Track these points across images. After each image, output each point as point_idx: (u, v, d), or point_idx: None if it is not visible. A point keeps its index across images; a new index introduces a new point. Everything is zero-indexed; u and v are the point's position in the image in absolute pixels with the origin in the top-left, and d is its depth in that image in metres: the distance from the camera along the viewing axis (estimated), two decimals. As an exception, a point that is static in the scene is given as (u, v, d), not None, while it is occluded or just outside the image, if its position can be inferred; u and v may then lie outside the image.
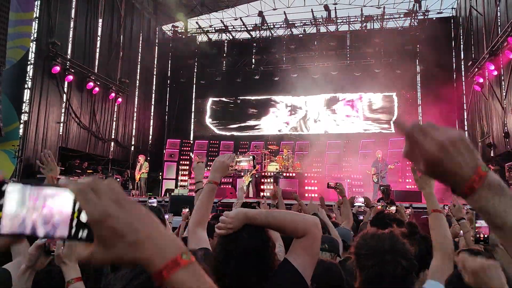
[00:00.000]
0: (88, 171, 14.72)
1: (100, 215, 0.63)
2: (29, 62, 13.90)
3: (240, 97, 21.71)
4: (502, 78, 14.03)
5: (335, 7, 19.13)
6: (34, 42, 14.04)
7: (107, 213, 0.63)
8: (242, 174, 13.13)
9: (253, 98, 21.54)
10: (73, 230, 0.64)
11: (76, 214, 0.64)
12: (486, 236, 2.33)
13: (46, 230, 0.63)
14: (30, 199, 0.63)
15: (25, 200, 0.63)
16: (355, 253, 1.71)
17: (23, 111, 13.56)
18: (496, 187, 0.73)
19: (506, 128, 13.42)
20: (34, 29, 14.04)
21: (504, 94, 13.67)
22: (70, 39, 15.83)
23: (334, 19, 19.52)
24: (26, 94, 13.82)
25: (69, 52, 15.66)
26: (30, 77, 13.89)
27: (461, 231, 3.07)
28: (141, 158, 16.30)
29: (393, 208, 4.16)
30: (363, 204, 5.19)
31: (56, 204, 0.64)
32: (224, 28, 21.14)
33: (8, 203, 0.62)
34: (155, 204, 4.38)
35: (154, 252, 0.63)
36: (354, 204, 5.49)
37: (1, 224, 0.61)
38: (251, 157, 3.17)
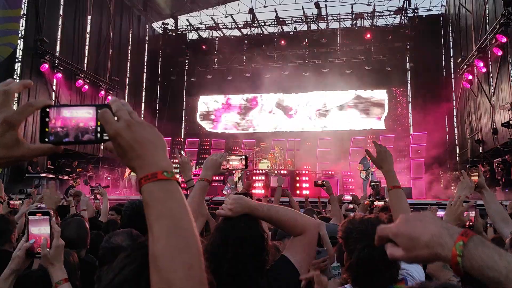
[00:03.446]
0: (78, 169, 14.59)
1: (113, 133, 0.82)
2: (17, 60, 13.72)
3: (231, 95, 21.66)
4: (491, 75, 14.18)
5: (326, 5, 19.17)
6: (22, 40, 13.84)
7: (118, 133, 0.81)
8: (233, 172, 13.12)
9: (244, 95, 21.50)
10: (98, 135, 0.85)
11: (99, 123, 0.85)
12: (471, 224, 2.40)
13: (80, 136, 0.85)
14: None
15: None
16: (343, 237, 1.74)
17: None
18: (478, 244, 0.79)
19: (494, 124, 13.58)
20: (22, 26, 13.84)
21: (493, 91, 13.83)
22: (59, 36, 15.65)
23: (325, 16, 19.54)
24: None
25: (57, 49, 15.48)
26: (18, 74, 13.71)
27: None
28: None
29: (380, 203, 4.18)
30: (350, 201, 5.22)
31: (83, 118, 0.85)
32: (214, 25, 21.05)
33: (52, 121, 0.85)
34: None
35: (142, 165, 0.81)
36: (343, 202, 5.51)
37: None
38: (243, 156, 3.18)
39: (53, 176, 13.49)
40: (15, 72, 13.67)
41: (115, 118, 0.83)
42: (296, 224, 1.72)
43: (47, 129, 0.85)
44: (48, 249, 1.69)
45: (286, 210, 1.78)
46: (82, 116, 0.86)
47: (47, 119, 0.86)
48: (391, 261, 1.59)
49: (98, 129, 0.85)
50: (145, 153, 0.81)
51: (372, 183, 10.18)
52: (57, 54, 15.25)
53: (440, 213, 2.69)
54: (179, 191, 0.81)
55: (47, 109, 0.86)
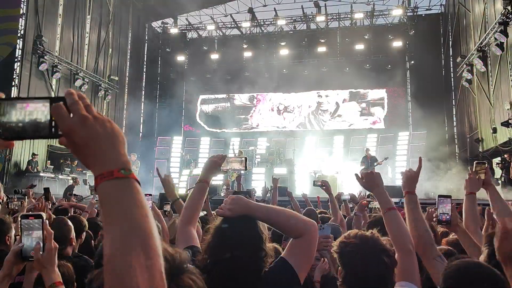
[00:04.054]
0: (77, 169, 14.58)
1: (66, 129, 0.78)
2: (16, 59, 13.70)
3: (231, 94, 21.65)
4: (490, 74, 14.19)
5: (325, 4, 19.12)
6: (21, 39, 13.83)
7: (71, 129, 0.78)
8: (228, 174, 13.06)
9: (243, 94, 21.49)
10: (53, 130, 0.80)
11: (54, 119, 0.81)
12: (448, 218, 2.44)
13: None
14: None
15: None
16: (339, 252, 1.75)
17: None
18: None
19: (493, 123, 13.59)
20: (21, 25, 13.83)
21: (492, 90, 13.84)
22: (58, 35, 15.63)
23: (324, 15, 19.53)
24: (14, 92, 13.63)
25: (56, 49, 15.46)
26: (17, 74, 13.70)
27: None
28: (133, 156, 16.30)
29: (376, 203, 4.18)
30: (349, 200, 5.22)
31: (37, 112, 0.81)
32: (214, 24, 21.01)
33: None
34: (150, 204, 4.31)
35: (97, 163, 0.78)
36: (342, 198, 5.52)
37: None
38: (243, 158, 3.16)
39: (52, 176, 13.49)
40: (14, 72, 13.65)
41: (71, 112, 0.79)
42: (296, 226, 1.68)
43: None
44: (41, 253, 1.67)
45: (285, 212, 1.74)
46: (36, 109, 0.81)
47: None
48: (385, 275, 1.63)
49: (53, 123, 0.80)
50: (101, 150, 0.78)
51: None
52: (56, 53, 15.23)
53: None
54: (136, 190, 0.78)
55: None
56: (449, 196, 2.52)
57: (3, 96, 0.84)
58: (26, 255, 1.70)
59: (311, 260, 1.74)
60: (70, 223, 2.82)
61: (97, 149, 0.78)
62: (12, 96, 0.93)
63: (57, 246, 1.73)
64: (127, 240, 0.72)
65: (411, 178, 2.27)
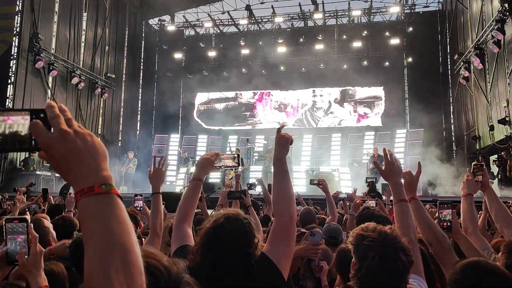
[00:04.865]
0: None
1: (45, 146, 0.77)
2: (12, 57, 13.63)
3: (228, 91, 21.61)
4: (487, 71, 14.20)
5: (323, 1, 19.09)
6: (17, 37, 13.75)
7: (50, 145, 0.77)
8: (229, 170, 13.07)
9: (240, 92, 21.46)
10: (33, 143, 0.80)
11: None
12: (449, 224, 2.45)
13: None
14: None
15: None
16: (355, 243, 1.69)
17: (6, 107, 13.30)
18: None
19: (491, 121, 13.61)
20: (17, 23, 13.75)
21: (489, 87, 13.85)
22: (54, 33, 15.55)
23: (322, 13, 19.49)
24: (10, 90, 13.57)
25: (53, 46, 15.38)
26: (14, 72, 13.63)
27: None
28: (130, 154, 16.35)
29: (372, 201, 4.16)
30: (346, 199, 5.19)
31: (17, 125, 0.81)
32: (211, 21, 20.95)
33: None
34: (140, 205, 4.26)
35: (78, 178, 0.76)
36: (340, 196, 5.49)
37: None
38: (236, 155, 3.14)
39: (49, 174, 13.45)
40: (10, 70, 13.58)
41: (51, 126, 0.78)
42: (284, 206, 1.80)
43: None
44: (26, 257, 1.64)
45: (290, 191, 1.89)
46: (17, 122, 0.81)
47: None
48: (401, 273, 1.59)
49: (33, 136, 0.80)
50: (81, 165, 0.77)
51: (368, 180, 10.08)
52: (52, 51, 15.15)
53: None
54: (118, 205, 0.76)
55: None
56: (450, 203, 2.53)
57: None
58: (11, 259, 1.67)
59: (290, 255, 1.76)
60: (47, 224, 2.77)
61: (77, 164, 0.77)
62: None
63: (43, 250, 1.71)
64: (107, 257, 0.70)
65: (412, 183, 2.28)
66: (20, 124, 0.81)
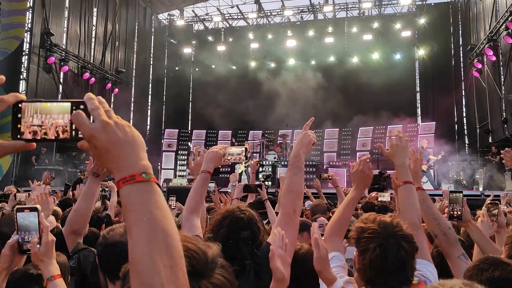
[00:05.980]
0: (86, 162, 14.67)
1: (88, 136, 0.80)
2: (24, 53, 13.77)
3: (238, 85, 21.55)
4: (501, 64, 13.96)
5: (333, -7, 18.95)
6: (29, 33, 13.89)
7: (92, 135, 0.80)
8: (239, 163, 13.09)
9: (250, 85, 21.39)
10: (73, 133, 0.83)
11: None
12: (459, 213, 2.42)
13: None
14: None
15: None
16: (356, 237, 1.69)
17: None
18: None
19: (504, 114, 13.40)
20: (28, 19, 13.88)
21: (503, 80, 13.62)
22: (65, 29, 15.67)
23: (332, 5, 19.31)
24: (22, 85, 13.73)
25: (64, 42, 15.51)
26: (25, 68, 13.78)
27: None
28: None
29: (372, 194, 4.15)
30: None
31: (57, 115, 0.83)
32: (220, 15, 20.91)
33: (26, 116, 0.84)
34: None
35: (119, 167, 0.79)
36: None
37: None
38: (243, 148, 3.13)
39: (61, 169, 13.61)
40: (22, 65, 13.73)
41: (91, 117, 0.81)
42: (293, 200, 1.88)
43: (19, 126, 0.83)
44: (38, 246, 1.65)
45: (300, 188, 1.93)
46: (57, 112, 0.82)
47: (19, 115, 0.82)
48: (405, 262, 1.57)
49: (73, 126, 0.82)
50: (122, 154, 0.80)
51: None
52: (63, 46, 15.28)
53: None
54: (158, 193, 0.80)
55: (20, 105, 0.83)
56: (461, 192, 2.50)
57: (4, 79, 0.86)
58: (23, 248, 1.69)
59: (292, 246, 1.79)
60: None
61: (118, 154, 0.80)
62: (34, 98, 0.93)
63: (54, 238, 1.72)
64: (150, 243, 0.74)
65: (416, 173, 2.25)
66: (60, 115, 0.82)
